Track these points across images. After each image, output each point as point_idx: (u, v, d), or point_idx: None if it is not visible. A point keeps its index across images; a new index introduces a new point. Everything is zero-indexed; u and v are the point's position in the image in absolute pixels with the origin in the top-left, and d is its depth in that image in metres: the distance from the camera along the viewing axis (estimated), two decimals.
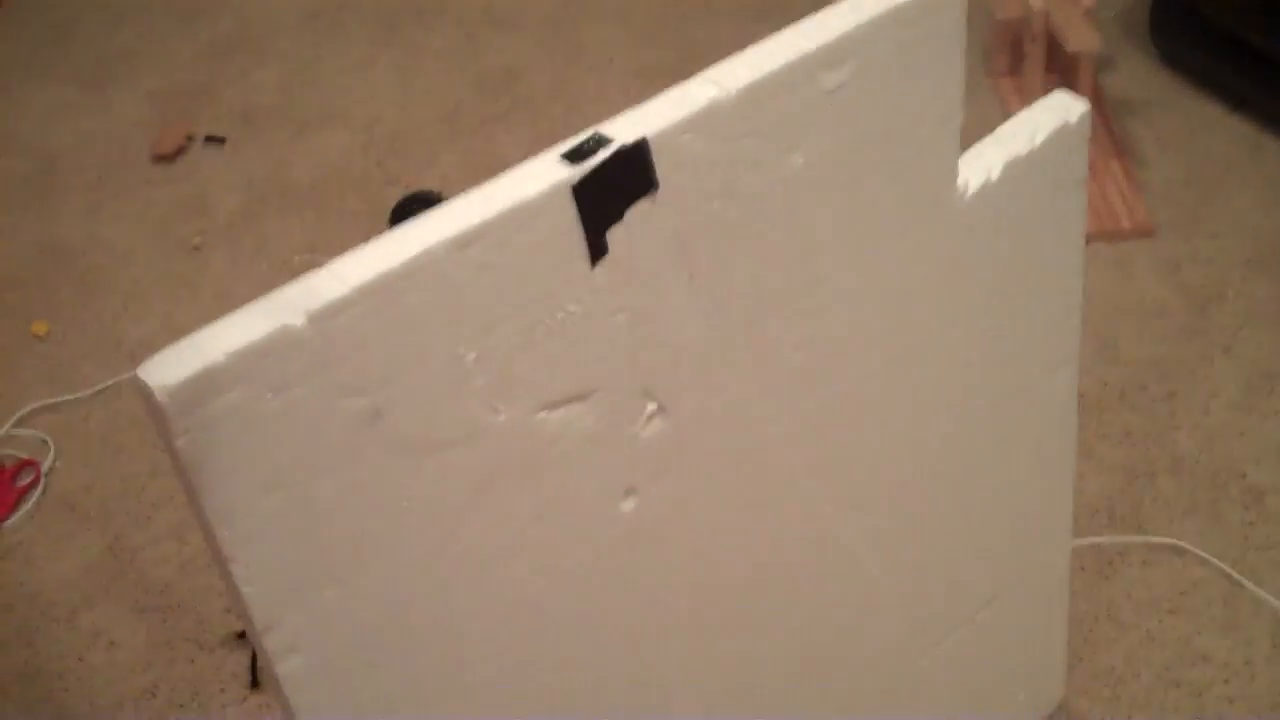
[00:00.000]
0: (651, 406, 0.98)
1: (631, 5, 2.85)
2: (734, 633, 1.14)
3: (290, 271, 2.23)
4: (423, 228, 0.83)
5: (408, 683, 0.93)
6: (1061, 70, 2.43)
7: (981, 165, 1.11)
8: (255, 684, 1.72)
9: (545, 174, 0.86)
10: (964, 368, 1.19)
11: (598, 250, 0.89)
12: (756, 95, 0.92)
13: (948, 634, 1.35)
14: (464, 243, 0.83)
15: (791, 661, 1.20)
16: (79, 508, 1.98)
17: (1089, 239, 2.18)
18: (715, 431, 1.03)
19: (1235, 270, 2.13)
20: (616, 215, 0.89)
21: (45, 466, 2.04)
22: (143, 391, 0.77)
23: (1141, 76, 2.52)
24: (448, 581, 0.92)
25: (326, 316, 0.80)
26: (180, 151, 2.62)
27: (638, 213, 0.90)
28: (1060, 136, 1.15)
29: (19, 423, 2.12)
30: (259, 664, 1.64)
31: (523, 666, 0.99)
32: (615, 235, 0.89)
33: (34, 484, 2.02)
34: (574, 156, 0.87)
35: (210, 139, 2.64)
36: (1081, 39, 2.25)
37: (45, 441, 2.08)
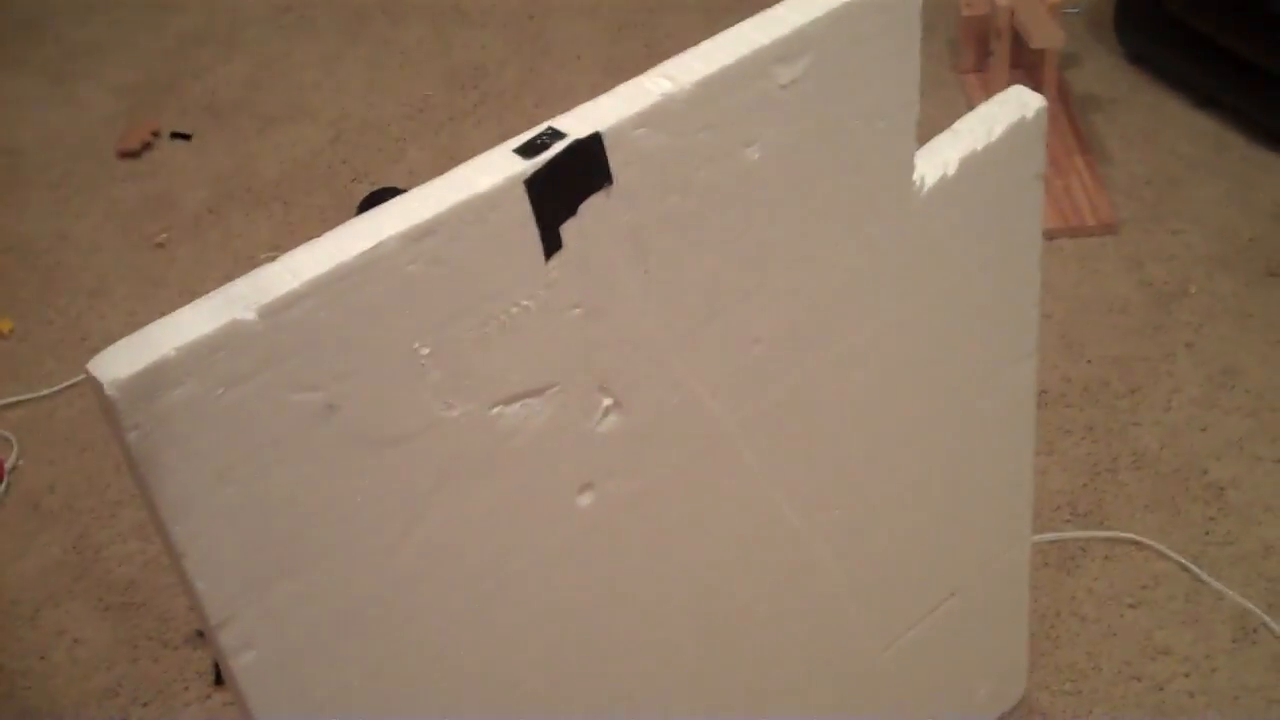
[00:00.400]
0: (607, 401, 0.98)
1: (600, 0, 2.84)
2: (692, 628, 1.14)
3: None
4: (375, 221, 0.83)
5: (364, 678, 0.93)
6: (1027, 67, 2.44)
7: (938, 160, 1.11)
8: (219, 682, 1.72)
9: (498, 167, 0.86)
10: (922, 362, 1.20)
11: (552, 245, 0.89)
12: (711, 90, 0.92)
13: (909, 629, 1.35)
14: (416, 236, 0.83)
15: (751, 656, 1.21)
16: (43, 506, 1.97)
17: (1053, 235, 2.19)
18: (671, 426, 1.03)
19: (1198, 266, 2.14)
20: (570, 209, 0.89)
21: (9, 464, 2.02)
22: (94, 386, 0.77)
23: (1107, 73, 2.54)
24: (403, 576, 0.92)
25: (278, 310, 0.80)
26: (146, 147, 2.60)
27: (592, 207, 0.90)
28: (1017, 131, 1.15)
29: None
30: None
31: (478, 662, 0.99)
32: (569, 229, 0.89)
33: None
34: (527, 150, 0.86)
35: (176, 135, 2.62)
36: (1046, 35, 2.26)
37: (9, 439, 2.06)
